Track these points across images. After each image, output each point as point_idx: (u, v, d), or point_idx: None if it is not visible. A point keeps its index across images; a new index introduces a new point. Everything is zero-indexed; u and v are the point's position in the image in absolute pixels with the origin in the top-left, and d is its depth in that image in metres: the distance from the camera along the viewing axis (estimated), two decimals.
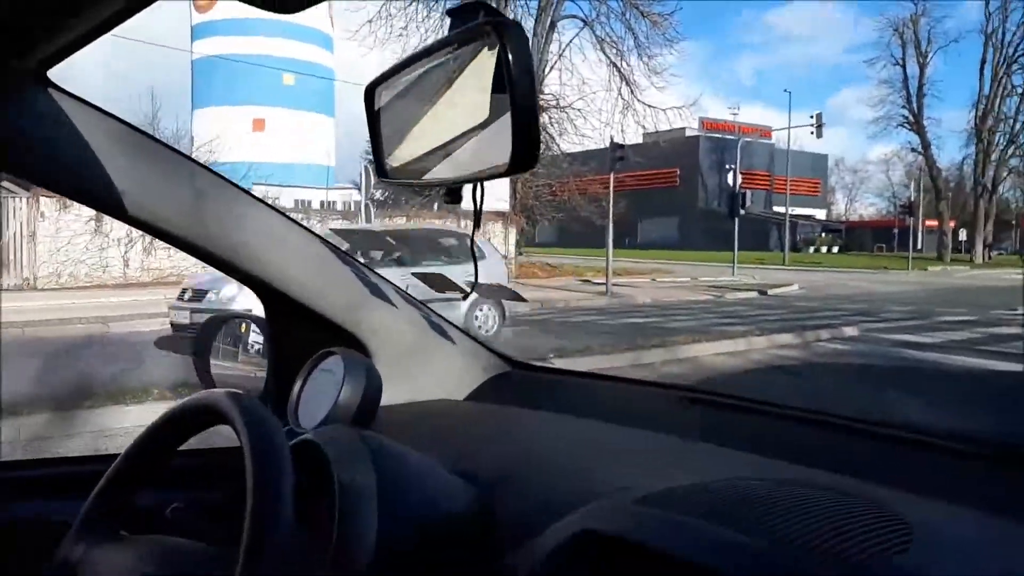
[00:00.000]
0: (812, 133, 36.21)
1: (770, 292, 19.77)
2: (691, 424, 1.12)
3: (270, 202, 1.22)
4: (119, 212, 0.98)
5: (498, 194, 22.83)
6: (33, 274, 15.80)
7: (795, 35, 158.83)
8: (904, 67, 44.83)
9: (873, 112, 51.15)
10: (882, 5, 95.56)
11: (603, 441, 1.05)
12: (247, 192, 1.14)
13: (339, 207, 36.38)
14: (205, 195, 1.05)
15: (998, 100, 43.69)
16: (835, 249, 53.25)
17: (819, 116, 35.35)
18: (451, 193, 0.88)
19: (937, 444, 0.92)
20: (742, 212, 26.22)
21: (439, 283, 1.38)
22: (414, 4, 24.64)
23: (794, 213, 48.23)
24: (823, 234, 56.96)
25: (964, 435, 0.93)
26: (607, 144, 20.73)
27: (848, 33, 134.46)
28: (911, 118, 44.56)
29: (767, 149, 58.15)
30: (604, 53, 25.81)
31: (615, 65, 25.78)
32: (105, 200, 0.97)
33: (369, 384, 1.02)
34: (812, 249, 52.13)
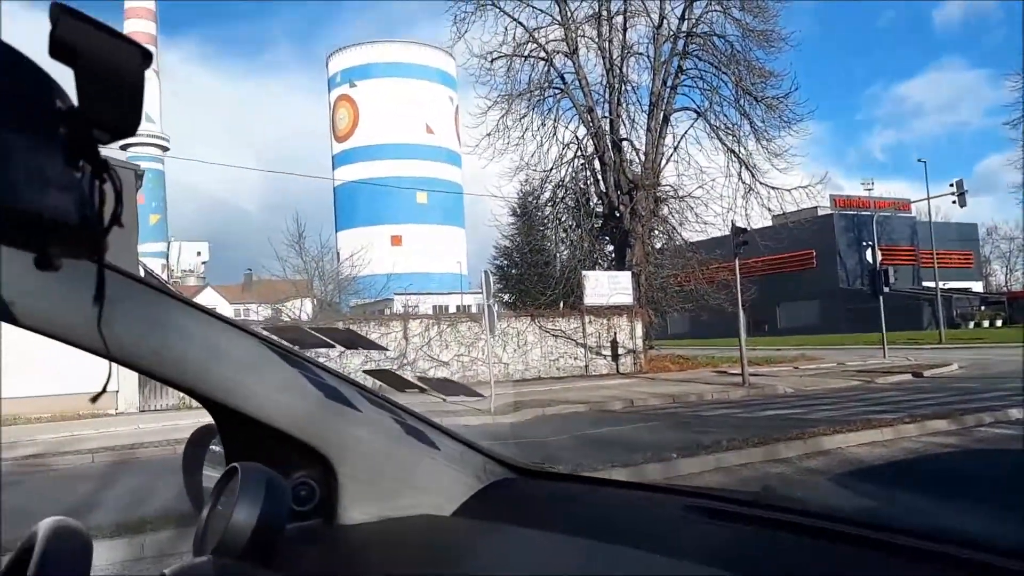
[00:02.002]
0: (954, 202, 33.97)
1: (926, 374, 18.25)
2: (711, 544, 1.00)
3: (233, 317, 1.12)
4: (36, 326, 0.87)
5: (622, 287, 22.76)
6: None
7: (928, 105, 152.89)
8: None
9: (1021, 175, 47.69)
10: (1018, 63, 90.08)
11: (595, 567, 0.94)
12: (174, 294, 1.02)
13: (474, 310, 37.32)
14: (124, 302, 0.93)
15: None
16: (998, 323, 48.86)
17: (960, 184, 33.21)
18: None
19: None
20: (887, 290, 24.71)
21: (390, 379, 1.24)
22: (528, 115, 25.70)
23: (946, 287, 44.96)
24: (982, 307, 52.54)
25: None
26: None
27: (986, 97, 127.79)
28: None
29: (908, 223, 55.25)
30: (720, 141, 25.76)
31: (732, 151, 25.62)
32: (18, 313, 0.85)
33: (269, 503, 0.89)
34: (971, 324, 48.10)
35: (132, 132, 0.56)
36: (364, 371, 1.42)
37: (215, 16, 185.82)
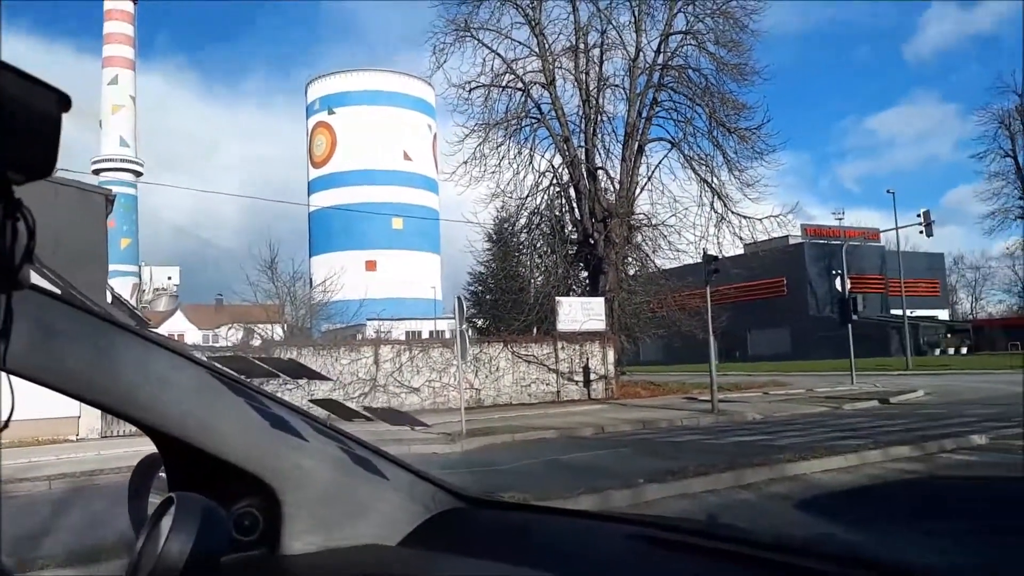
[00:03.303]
0: (921, 232, 34.63)
1: (892, 400, 18.49)
2: (650, 573, 1.03)
3: (163, 334, 1.09)
4: None
5: (595, 314, 22.86)
6: None
7: (900, 137, 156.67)
8: (1015, 158, 42.99)
9: (987, 206, 48.69)
10: (986, 98, 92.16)
11: None
12: (120, 324, 1.01)
13: (447, 335, 37.25)
14: (67, 330, 0.92)
15: None
16: (963, 350, 49.76)
17: (927, 214, 33.84)
18: None
19: None
20: (855, 317, 25.09)
21: (336, 408, 1.23)
22: (505, 143, 25.94)
23: (914, 315, 45.73)
24: (948, 335, 53.45)
25: None
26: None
27: (955, 130, 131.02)
28: None
29: (878, 252, 56.23)
30: (694, 171, 26.13)
31: (706, 181, 26.00)
32: None
33: (204, 534, 0.88)
34: (938, 352, 48.91)
35: (48, 173, 0.58)
36: (309, 400, 1.43)
37: (194, 41, 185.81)
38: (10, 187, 0.58)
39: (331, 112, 69.84)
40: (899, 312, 43.83)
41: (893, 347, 47.35)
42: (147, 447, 1.08)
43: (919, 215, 34.55)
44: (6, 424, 0.71)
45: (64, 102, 0.58)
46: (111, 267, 23.83)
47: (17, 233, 0.59)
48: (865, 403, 18.12)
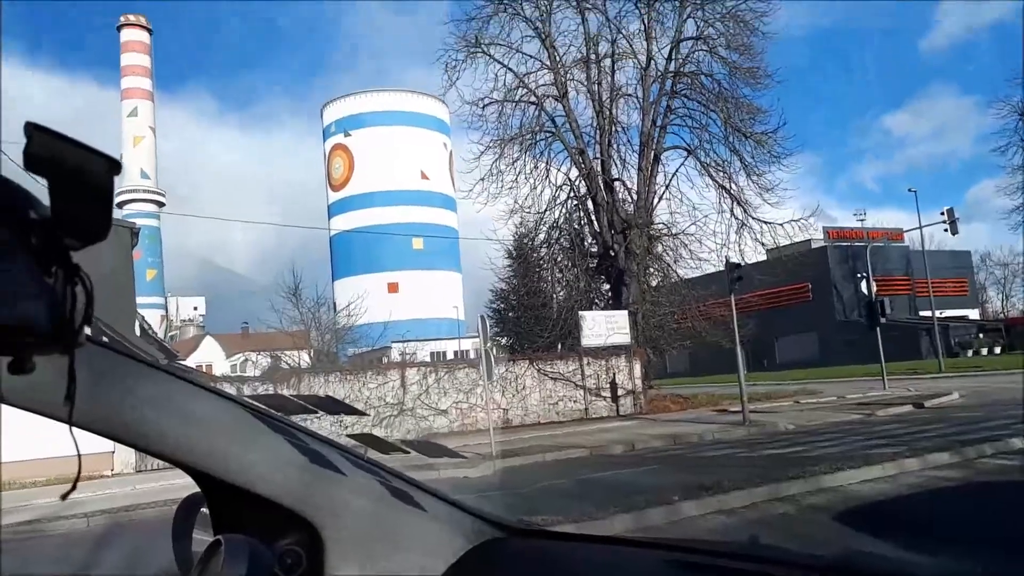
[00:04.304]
0: (946, 230, 34.15)
1: (927, 404, 18.19)
2: None
3: (200, 378, 1.10)
4: (18, 403, 0.89)
5: (619, 327, 22.74)
6: None
7: (916, 135, 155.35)
8: None
9: (1012, 201, 47.71)
10: (1005, 90, 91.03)
11: None
12: (157, 365, 1.03)
13: (472, 355, 37.21)
14: (106, 376, 0.95)
15: None
16: (996, 350, 48.83)
17: (951, 212, 33.38)
18: None
19: None
20: (883, 320, 24.75)
21: (373, 442, 1.26)
22: (520, 158, 25.98)
23: (943, 316, 45.04)
24: (980, 335, 52.49)
25: None
26: None
27: (974, 124, 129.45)
28: None
29: (902, 252, 55.54)
30: (711, 177, 26.01)
31: (724, 188, 25.84)
32: None
33: (252, 572, 0.92)
34: (970, 352, 48.04)
35: (102, 237, 0.61)
36: (347, 435, 1.45)
37: (210, 70, 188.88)
38: (68, 253, 0.61)
39: (347, 135, 70.41)
40: (928, 313, 43.21)
41: (924, 349, 46.62)
42: (181, 479, 1.10)
43: (942, 213, 34.13)
44: None
45: (114, 167, 0.61)
46: (138, 299, 24.11)
47: (76, 297, 0.62)
48: (899, 408, 17.85)
